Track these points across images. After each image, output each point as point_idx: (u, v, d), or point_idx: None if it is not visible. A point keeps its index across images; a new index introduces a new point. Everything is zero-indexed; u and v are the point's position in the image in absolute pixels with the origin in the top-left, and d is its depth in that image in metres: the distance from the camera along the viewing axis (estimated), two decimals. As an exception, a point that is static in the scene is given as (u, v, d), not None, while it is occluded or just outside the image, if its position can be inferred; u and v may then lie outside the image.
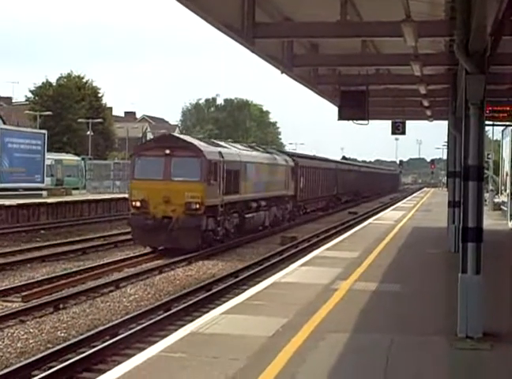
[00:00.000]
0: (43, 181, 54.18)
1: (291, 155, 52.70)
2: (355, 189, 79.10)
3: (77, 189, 60.16)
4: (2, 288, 20.08)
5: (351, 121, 23.31)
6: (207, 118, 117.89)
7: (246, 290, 17.22)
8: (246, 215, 34.08)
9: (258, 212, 36.32)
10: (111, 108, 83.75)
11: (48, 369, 12.48)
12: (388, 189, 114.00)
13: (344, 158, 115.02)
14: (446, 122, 27.51)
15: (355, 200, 76.69)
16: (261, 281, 18.25)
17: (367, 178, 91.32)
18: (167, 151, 28.23)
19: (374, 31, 15.72)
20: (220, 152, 30.67)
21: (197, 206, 27.77)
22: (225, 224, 31.02)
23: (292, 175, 44.28)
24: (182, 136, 34.03)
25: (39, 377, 11.98)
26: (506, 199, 43.14)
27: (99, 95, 79.98)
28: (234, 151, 34.33)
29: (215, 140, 37.29)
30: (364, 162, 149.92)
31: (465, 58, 10.83)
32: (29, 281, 21.21)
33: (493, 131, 57.76)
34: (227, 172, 30.72)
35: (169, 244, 27.90)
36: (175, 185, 27.96)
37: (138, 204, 28.26)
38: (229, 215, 31.64)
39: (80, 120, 71.44)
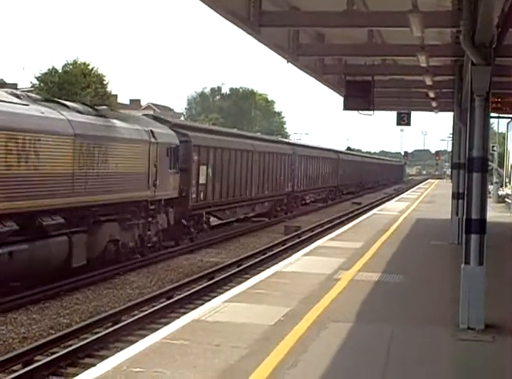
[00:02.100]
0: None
1: (289, 143, 50.02)
2: (358, 181, 77.33)
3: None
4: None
5: (356, 112, 23.30)
6: (212, 106, 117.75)
7: (248, 278, 17.24)
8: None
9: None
10: (116, 95, 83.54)
11: (51, 355, 12.54)
12: (392, 181, 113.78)
13: (348, 148, 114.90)
14: (451, 114, 27.44)
15: (357, 192, 75.27)
16: (263, 270, 18.29)
17: (370, 169, 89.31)
18: None
19: (381, 22, 15.66)
20: None
21: None
22: None
23: (188, 159, 28.10)
24: None
25: (41, 362, 12.04)
26: (510, 191, 43.15)
27: (105, 82, 79.88)
28: None
29: None
30: (369, 153, 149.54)
31: (471, 50, 10.80)
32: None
33: (498, 124, 57.76)
34: None
35: None
36: None
37: None
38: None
39: (85, 107, 71.33)
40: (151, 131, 24.16)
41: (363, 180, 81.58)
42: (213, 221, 32.74)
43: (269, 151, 40.98)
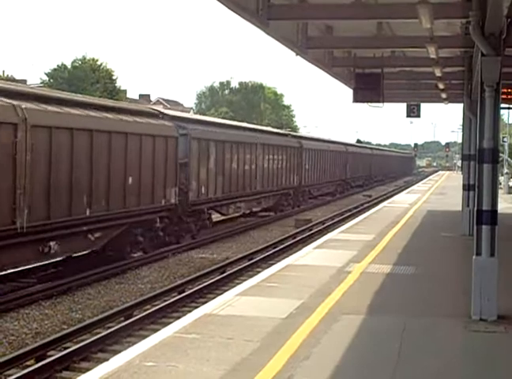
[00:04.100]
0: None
1: (295, 136, 48.74)
2: (367, 174, 76.19)
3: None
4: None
5: (366, 104, 23.25)
6: (221, 100, 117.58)
7: (260, 272, 17.26)
8: None
9: None
10: (125, 91, 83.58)
11: (64, 350, 12.58)
12: (401, 173, 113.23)
13: (358, 141, 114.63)
14: (461, 105, 27.34)
15: (366, 185, 74.19)
16: (275, 264, 18.29)
17: (379, 161, 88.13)
18: None
19: (390, 13, 15.61)
20: None
21: None
22: None
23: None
24: None
25: (54, 357, 12.08)
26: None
27: (114, 77, 79.93)
28: None
29: None
30: (379, 145, 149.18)
31: (481, 40, 10.77)
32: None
33: (508, 115, 57.58)
34: None
35: None
36: None
37: None
38: None
39: (94, 102, 71.36)
40: None
41: (372, 173, 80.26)
42: (216, 217, 32.44)
43: (274, 144, 39.58)
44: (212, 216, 31.14)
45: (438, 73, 22.62)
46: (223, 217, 33.90)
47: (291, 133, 50.80)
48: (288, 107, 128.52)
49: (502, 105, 23.99)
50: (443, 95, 30.06)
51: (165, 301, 16.72)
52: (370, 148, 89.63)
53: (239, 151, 33.04)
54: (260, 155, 36.46)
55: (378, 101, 22.20)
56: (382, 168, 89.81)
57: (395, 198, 44.31)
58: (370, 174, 78.74)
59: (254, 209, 38.23)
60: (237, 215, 35.74)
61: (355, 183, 68.95)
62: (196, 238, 27.55)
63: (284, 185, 41.38)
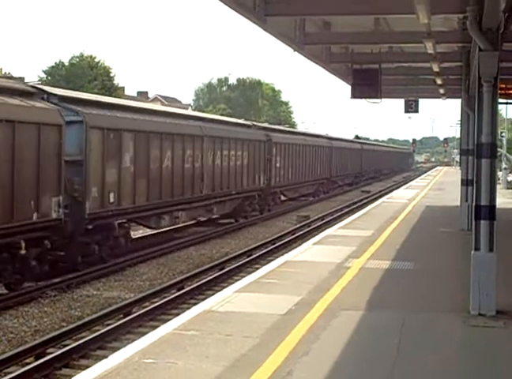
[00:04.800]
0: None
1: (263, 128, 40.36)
2: (357, 171, 69.87)
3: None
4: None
5: (364, 100, 23.26)
6: (219, 97, 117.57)
7: (259, 268, 17.27)
8: None
9: None
10: (123, 88, 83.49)
11: (63, 347, 12.58)
12: (398, 169, 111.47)
13: (356, 137, 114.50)
14: (459, 100, 27.38)
15: (357, 183, 68.39)
16: (273, 260, 18.31)
17: (371, 157, 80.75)
18: None
19: (387, 9, 15.60)
20: None
21: None
22: None
23: None
24: None
25: (53, 354, 12.09)
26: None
27: (112, 74, 79.89)
28: None
29: None
30: (377, 140, 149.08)
31: (478, 35, 10.77)
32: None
33: (506, 109, 57.62)
34: None
35: None
36: None
37: None
38: None
39: (92, 100, 71.33)
40: None
41: (364, 170, 74.00)
42: (136, 235, 26.11)
43: (229, 137, 31.87)
44: (139, 231, 27.01)
45: (435, 68, 22.61)
46: (154, 231, 26.89)
47: (257, 123, 42.19)
48: (286, 104, 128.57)
49: (500, 100, 24.01)
50: (441, 91, 30.07)
51: (164, 298, 16.72)
52: (360, 143, 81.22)
53: (174, 145, 25.68)
54: (209, 150, 29.01)
55: (376, 97, 22.23)
56: (375, 164, 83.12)
57: (393, 194, 44.30)
58: (361, 171, 72.44)
59: (202, 219, 30.47)
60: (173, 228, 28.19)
61: (344, 182, 62.87)
62: (108, 262, 20.87)
63: (246, 187, 33.76)
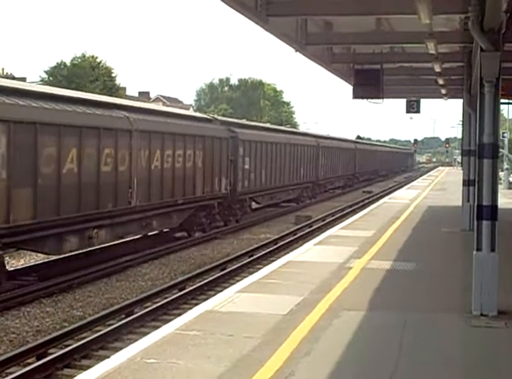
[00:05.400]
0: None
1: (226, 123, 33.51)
2: (351, 173, 64.45)
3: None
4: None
5: (365, 100, 23.25)
6: (221, 97, 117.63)
7: (260, 269, 17.26)
8: None
9: None
10: (124, 88, 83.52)
11: (65, 348, 12.58)
12: (399, 171, 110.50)
13: (358, 137, 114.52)
14: (461, 101, 27.35)
15: (350, 186, 63.86)
16: (275, 260, 18.30)
17: (367, 158, 74.99)
18: None
19: (389, 9, 15.60)
20: None
21: None
22: None
23: None
24: None
25: (55, 355, 12.09)
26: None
27: (113, 75, 79.91)
28: None
29: None
30: (379, 141, 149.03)
31: (480, 35, 10.76)
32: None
33: (508, 110, 57.58)
34: None
35: None
36: None
37: None
38: None
39: (94, 100, 71.28)
40: None
41: (358, 172, 68.41)
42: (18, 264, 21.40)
43: (173, 133, 25.25)
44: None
45: (437, 68, 22.60)
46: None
47: (220, 118, 35.72)
48: (288, 104, 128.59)
49: (502, 100, 24.00)
50: (443, 91, 30.05)
51: (166, 298, 16.73)
52: (354, 142, 74.92)
53: (83, 142, 19.57)
54: (141, 149, 22.93)
55: (378, 97, 22.21)
56: (371, 166, 77.91)
57: (395, 194, 44.31)
58: (355, 172, 66.81)
59: (136, 236, 24.63)
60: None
61: (334, 185, 57.41)
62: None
63: (202, 194, 27.90)
